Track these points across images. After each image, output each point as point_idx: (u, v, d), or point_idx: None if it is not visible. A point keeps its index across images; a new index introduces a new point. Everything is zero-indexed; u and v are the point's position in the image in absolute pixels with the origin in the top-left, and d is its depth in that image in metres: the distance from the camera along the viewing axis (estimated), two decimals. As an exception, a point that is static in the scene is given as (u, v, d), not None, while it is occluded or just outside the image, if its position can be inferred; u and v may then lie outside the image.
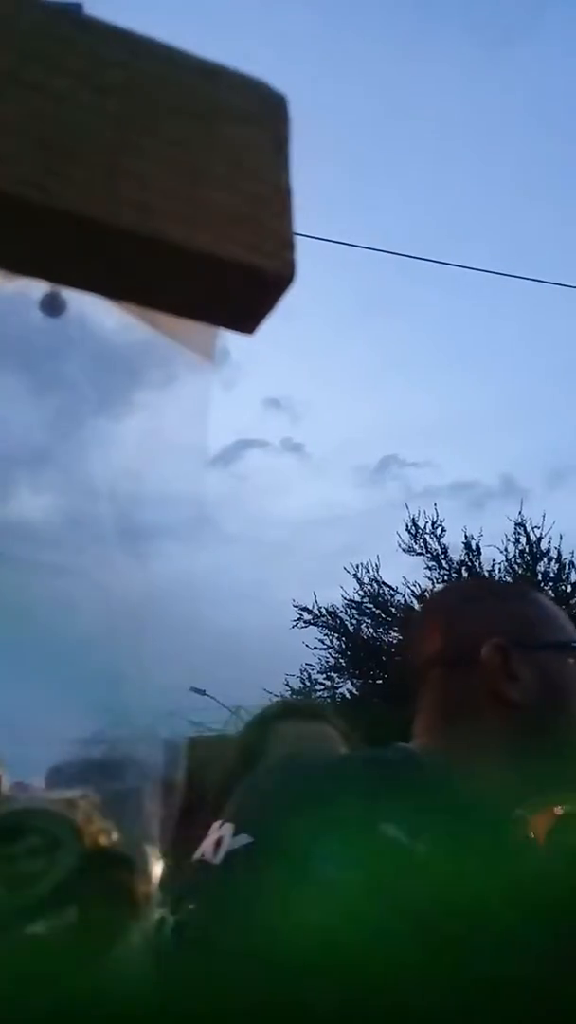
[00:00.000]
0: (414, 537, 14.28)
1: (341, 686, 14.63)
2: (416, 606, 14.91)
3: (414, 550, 14.28)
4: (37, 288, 0.39)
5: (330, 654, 14.61)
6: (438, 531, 14.10)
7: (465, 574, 13.92)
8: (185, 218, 0.33)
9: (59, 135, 0.32)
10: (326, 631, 14.51)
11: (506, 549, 13.67)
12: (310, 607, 14.60)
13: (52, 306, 0.40)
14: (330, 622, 14.51)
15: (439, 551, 14.09)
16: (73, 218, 0.32)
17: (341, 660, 14.76)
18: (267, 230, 0.34)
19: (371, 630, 14.60)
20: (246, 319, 0.35)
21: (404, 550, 14.29)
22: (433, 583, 14.28)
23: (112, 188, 0.33)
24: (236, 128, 0.35)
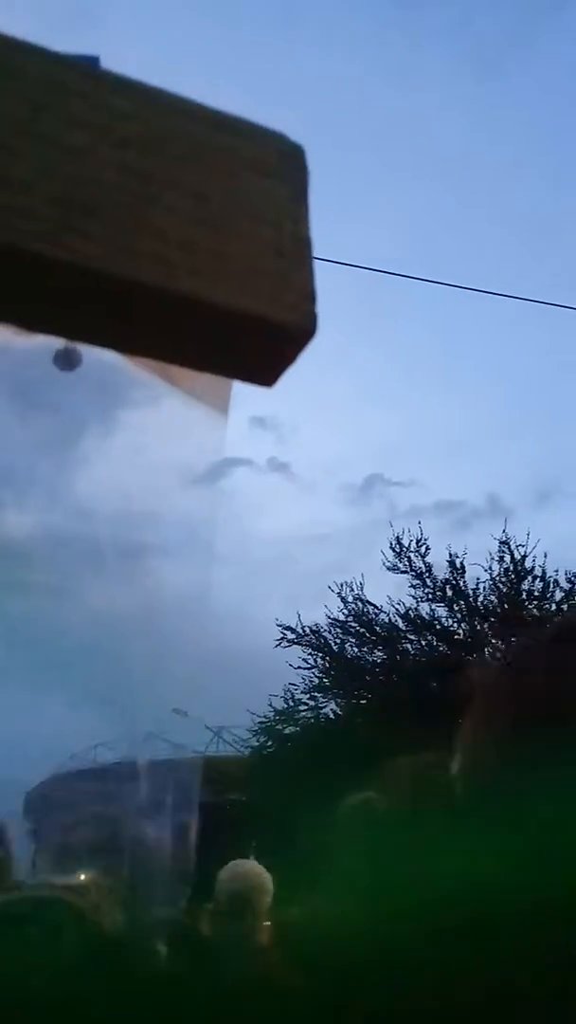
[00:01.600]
0: (399, 555, 14.30)
1: (325, 706, 14.56)
2: (400, 625, 14.91)
3: (398, 568, 14.30)
4: (52, 342, 0.38)
5: (314, 673, 14.54)
6: (422, 549, 14.13)
7: (449, 592, 13.95)
8: (205, 272, 0.33)
9: (77, 189, 0.32)
10: (310, 650, 14.46)
11: (491, 567, 13.72)
12: (294, 626, 14.54)
13: (67, 360, 0.40)
14: (314, 641, 14.45)
15: (423, 569, 14.12)
16: (91, 274, 0.31)
17: (325, 680, 14.70)
18: (288, 283, 0.33)
19: (355, 649, 14.57)
20: (266, 372, 0.34)
21: (388, 568, 14.30)
22: (417, 601, 14.29)
23: (131, 242, 0.32)
24: (255, 180, 0.35)
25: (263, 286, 0.33)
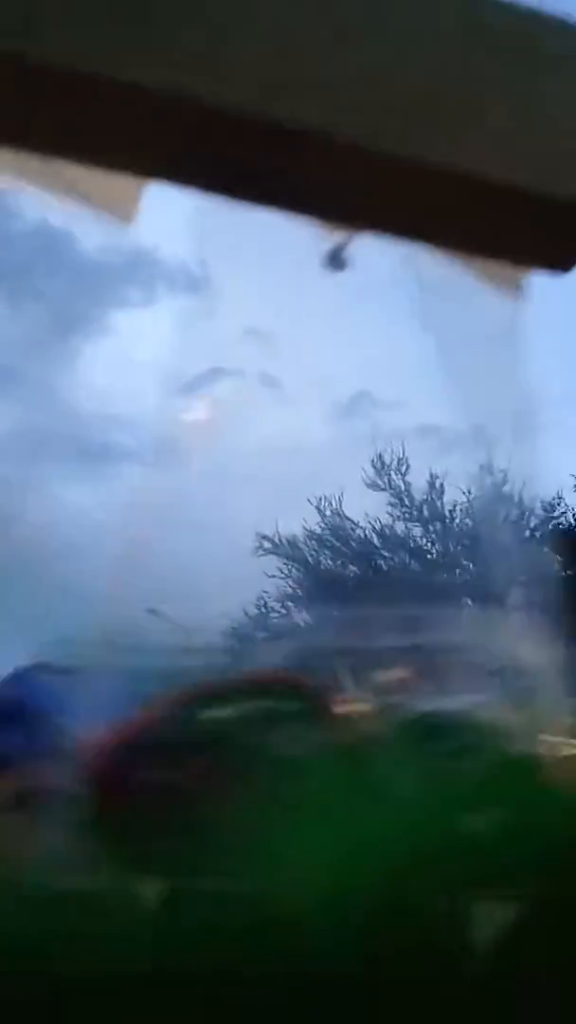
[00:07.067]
0: (379, 473, 14.39)
1: (297, 616, 14.91)
2: (376, 541, 15.14)
3: (378, 486, 14.40)
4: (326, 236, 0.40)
5: (288, 583, 14.79)
6: (403, 469, 14.22)
7: (427, 513, 14.15)
8: (529, 163, 0.35)
9: (409, 82, 0.34)
10: (285, 560, 14.67)
11: (468, 491, 13.90)
12: (271, 536, 14.69)
13: (338, 262, 0.41)
14: (290, 552, 14.65)
15: (402, 489, 14.25)
16: (434, 173, 0.34)
17: (298, 590, 14.98)
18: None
19: (330, 563, 14.81)
20: (568, 257, 0.37)
21: (368, 485, 14.41)
22: (393, 520, 14.48)
23: (456, 133, 0.34)
24: (564, 70, 0.37)
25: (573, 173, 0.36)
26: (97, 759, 0.69)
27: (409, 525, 14.35)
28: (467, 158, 0.34)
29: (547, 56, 0.37)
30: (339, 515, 14.91)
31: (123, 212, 0.34)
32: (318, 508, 15.09)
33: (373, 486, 14.51)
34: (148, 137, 0.31)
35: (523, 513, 13.66)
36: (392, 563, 14.81)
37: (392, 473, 14.22)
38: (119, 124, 0.31)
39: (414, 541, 14.32)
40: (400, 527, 14.38)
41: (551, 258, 0.37)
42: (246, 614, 14.62)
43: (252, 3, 0.32)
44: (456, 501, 13.98)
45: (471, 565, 13.80)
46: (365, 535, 14.75)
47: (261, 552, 14.82)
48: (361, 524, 14.66)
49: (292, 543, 14.76)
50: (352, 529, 14.74)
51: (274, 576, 14.70)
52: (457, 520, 13.93)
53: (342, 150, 0.33)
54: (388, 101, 0.33)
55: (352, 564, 15.14)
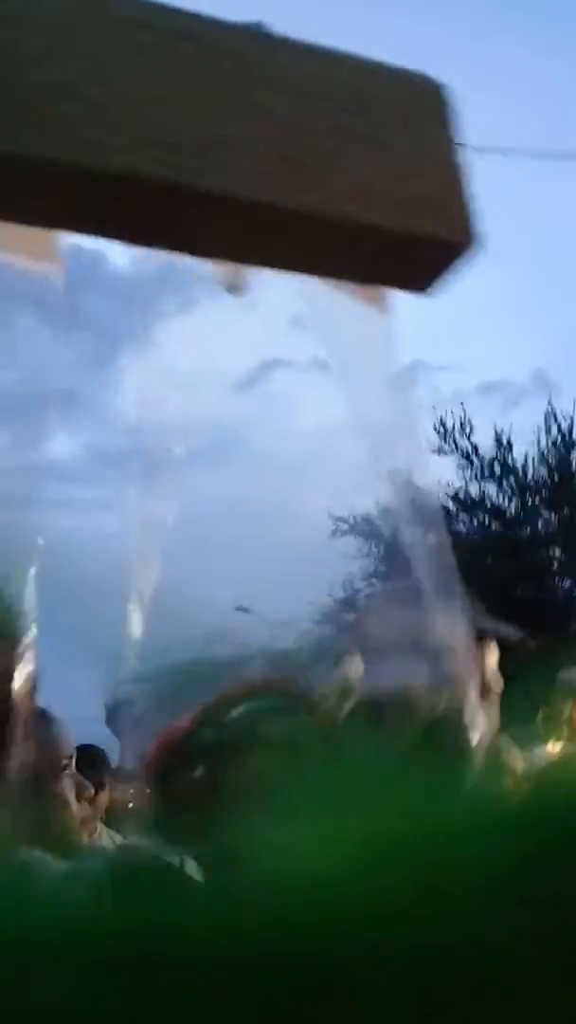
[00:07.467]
0: (443, 438, 14.23)
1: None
2: (451, 506, 14.99)
3: (444, 451, 14.26)
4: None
5: (371, 561, 14.82)
6: (467, 430, 14.04)
7: (497, 469, 13.95)
8: (386, 204, 0.42)
9: (292, 147, 0.40)
10: (364, 539, 14.71)
11: (537, 441, 13.63)
12: (345, 517, 14.75)
13: (234, 289, 0.48)
14: (367, 529, 14.69)
15: (469, 449, 14.09)
16: (310, 218, 0.40)
17: (381, 566, 14.99)
18: (451, 205, 0.42)
19: (409, 534, 14.79)
20: (426, 281, 0.44)
21: (434, 452, 14.29)
22: (466, 482, 14.31)
23: (330, 187, 0.41)
24: (412, 118, 0.43)
25: (433, 211, 0.42)
26: (149, 760, 0.86)
27: (483, 484, 14.15)
28: (333, 204, 0.41)
29: (394, 106, 0.43)
30: (410, 485, 14.87)
31: (43, 256, 0.42)
32: (389, 481, 15.06)
33: (439, 451, 14.38)
34: (69, 202, 0.39)
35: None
36: (471, 525, 14.65)
37: (457, 436, 14.05)
38: (43, 192, 0.38)
39: (490, 501, 14.14)
40: (474, 488, 14.20)
41: (409, 282, 0.43)
42: (332, 596, 14.72)
43: (155, 94, 0.39)
44: (526, 452, 13.70)
45: (552, 515, 13.52)
46: (439, 501, 14.69)
47: (339, 534, 14.90)
48: (434, 491, 14.59)
49: (368, 520, 14.79)
50: (425, 497, 14.68)
51: (355, 556, 14.75)
52: (531, 472, 13.68)
53: (231, 204, 0.40)
54: (265, 162, 0.40)
55: (430, 531, 15.09)
